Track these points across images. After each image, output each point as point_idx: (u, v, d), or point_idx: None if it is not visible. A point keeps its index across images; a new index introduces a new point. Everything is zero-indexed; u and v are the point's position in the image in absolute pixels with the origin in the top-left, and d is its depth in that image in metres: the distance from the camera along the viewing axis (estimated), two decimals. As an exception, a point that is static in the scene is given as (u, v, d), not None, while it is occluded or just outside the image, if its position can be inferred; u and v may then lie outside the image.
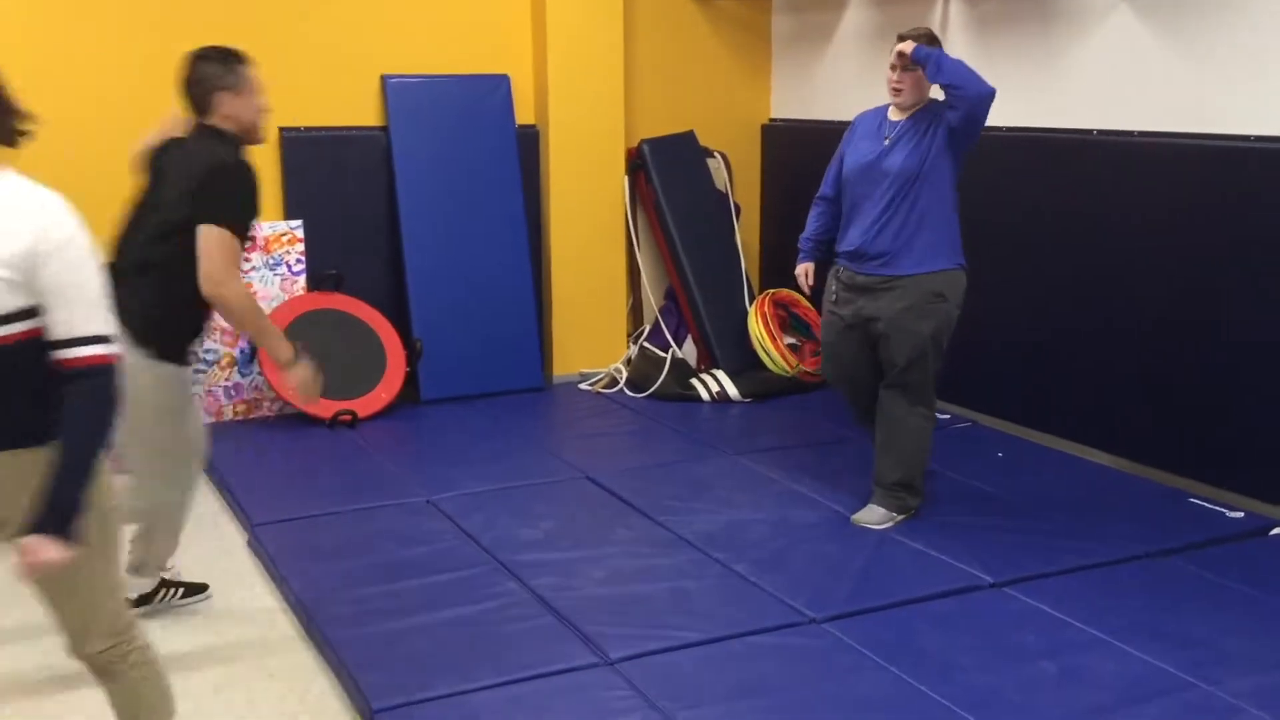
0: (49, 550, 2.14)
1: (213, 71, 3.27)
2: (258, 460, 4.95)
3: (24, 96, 2.22)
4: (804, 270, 4.40)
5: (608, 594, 3.63)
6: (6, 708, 3.14)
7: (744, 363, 5.97)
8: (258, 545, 4.10)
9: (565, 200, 6.05)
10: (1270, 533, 4.09)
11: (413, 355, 5.68)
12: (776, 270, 6.46)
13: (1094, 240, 4.77)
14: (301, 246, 5.62)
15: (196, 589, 3.75)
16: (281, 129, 5.49)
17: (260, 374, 5.45)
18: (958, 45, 5.25)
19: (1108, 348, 4.76)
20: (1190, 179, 4.40)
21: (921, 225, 3.99)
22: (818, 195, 4.38)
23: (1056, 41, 4.92)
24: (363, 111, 5.76)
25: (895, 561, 3.86)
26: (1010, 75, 4.91)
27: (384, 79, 5.74)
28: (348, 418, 5.34)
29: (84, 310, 2.16)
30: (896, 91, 4.04)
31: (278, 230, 5.56)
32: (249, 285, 3.17)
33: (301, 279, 5.64)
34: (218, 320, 5.34)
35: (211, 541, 4.20)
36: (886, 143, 4.04)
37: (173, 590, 3.69)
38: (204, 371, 5.39)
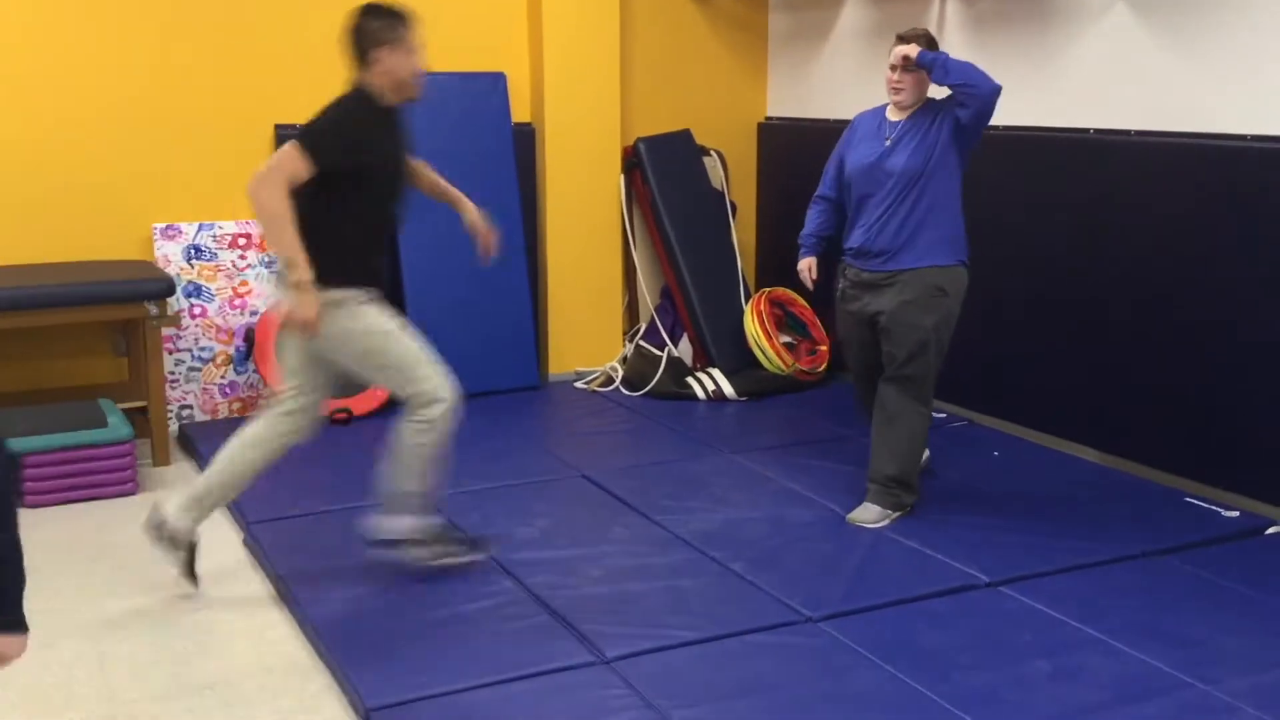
0: (8, 647, 1.95)
1: (376, 25, 3.44)
2: (253, 458, 4.93)
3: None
4: (807, 265, 4.40)
5: (604, 592, 3.63)
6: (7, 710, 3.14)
7: (740, 361, 5.96)
8: (253, 543, 4.09)
9: (561, 198, 6.04)
10: (1266, 532, 4.09)
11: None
12: (772, 269, 6.46)
13: (1090, 240, 4.78)
14: (297, 244, 5.60)
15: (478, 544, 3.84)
16: (278, 127, 5.48)
17: (255, 371, 5.44)
18: (955, 44, 5.25)
19: (1104, 347, 4.77)
20: (1187, 178, 4.41)
21: (925, 222, 4.00)
22: (816, 195, 4.39)
23: (1053, 41, 4.92)
24: (359, 109, 5.74)
25: (891, 560, 3.86)
26: (1007, 74, 4.89)
27: (380, 76, 5.72)
28: (343, 415, 5.33)
29: None
30: (897, 91, 4.05)
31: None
32: (284, 203, 3.35)
33: (297, 277, 5.61)
34: (215, 319, 5.35)
35: (206, 538, 4.17)
36: (888, 143, 4.05)
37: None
38: (199, 369, 5.39)
